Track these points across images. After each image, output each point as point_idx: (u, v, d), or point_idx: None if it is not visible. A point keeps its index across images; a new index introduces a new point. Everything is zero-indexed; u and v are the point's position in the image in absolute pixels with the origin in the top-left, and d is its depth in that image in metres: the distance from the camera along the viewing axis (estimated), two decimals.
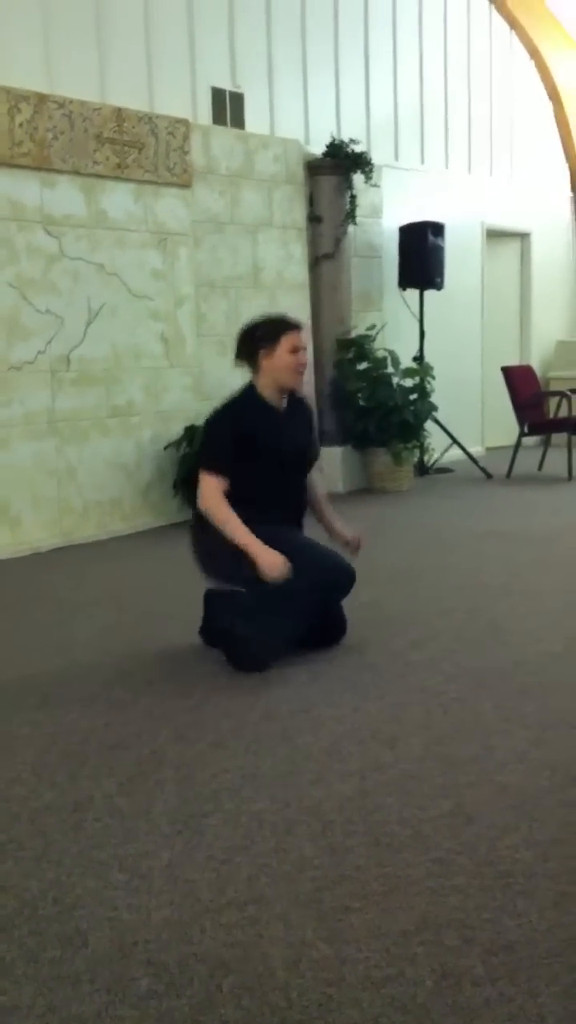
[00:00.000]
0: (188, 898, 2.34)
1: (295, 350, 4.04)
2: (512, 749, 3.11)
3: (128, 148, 6.70)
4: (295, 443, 4.16)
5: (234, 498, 3.98)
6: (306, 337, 4.32)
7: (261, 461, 4.02)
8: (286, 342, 4.03)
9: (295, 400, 4.24)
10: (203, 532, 4.07)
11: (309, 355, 4.51)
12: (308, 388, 8.11)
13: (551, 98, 11.25)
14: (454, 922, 2.20)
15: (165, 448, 7.05)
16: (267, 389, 4.12)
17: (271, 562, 3.85)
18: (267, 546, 3.87)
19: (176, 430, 7.09)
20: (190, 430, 7.07)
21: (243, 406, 4.14)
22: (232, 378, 7.42)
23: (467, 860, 2.46)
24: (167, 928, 2.22)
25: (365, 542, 4.42)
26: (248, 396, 4.15)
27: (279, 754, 3.14)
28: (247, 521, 3.92)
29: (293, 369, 4.05)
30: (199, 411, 7.21)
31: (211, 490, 3.99)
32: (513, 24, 10.57)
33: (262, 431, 4.04)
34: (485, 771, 2.96)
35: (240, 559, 3.89)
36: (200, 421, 7.11)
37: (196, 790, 2.90)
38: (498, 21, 10.47)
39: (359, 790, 2.86)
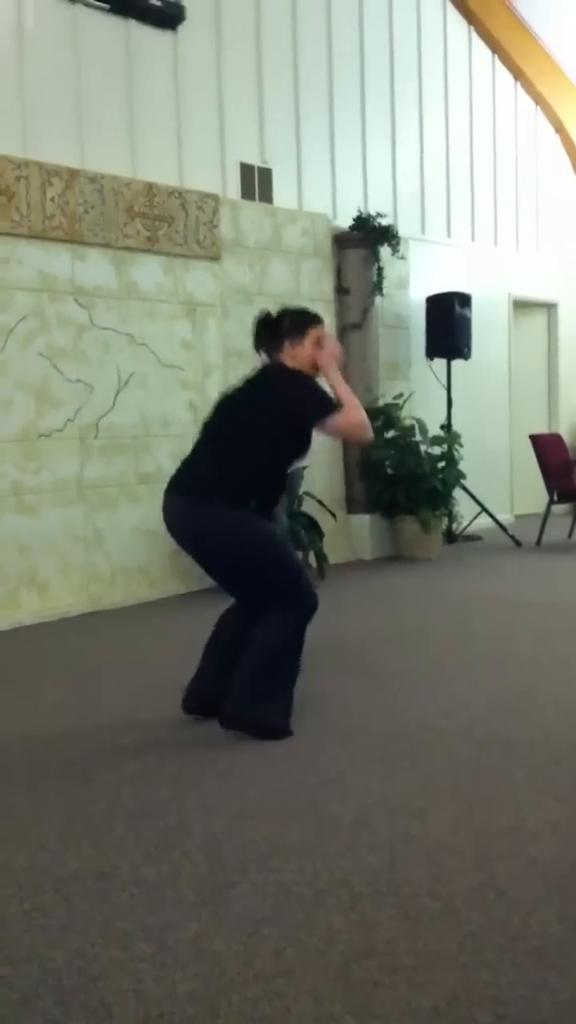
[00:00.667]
0: (214, 970, 2.30)
1: (318, 343, 4.08)
2: (544, 821, 3.06)
3: (158, 222, 6.83)
4: None
5: (262, 483, 3.98)
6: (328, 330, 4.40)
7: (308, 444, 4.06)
8: (312, 334, 4.08)
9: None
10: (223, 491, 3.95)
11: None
12: (336, 455, 8.15)
13: None
14: (486, 998, 2.15)
15: None
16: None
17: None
18: None
19: None
20: None
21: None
22: None
23: (499, 935, 2.41)
24: (192, 1001, 2.18)
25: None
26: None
27: (307, 824, 3.09)
28: (264, 506, 3.97)
29: (311, 363, 4.06)
30: None
31: (359, 416, 3.95)
32: (539, 100, 10.75)
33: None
34: (517, 843, 2.91)
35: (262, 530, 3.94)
36: None
37: (223, 860, 2.86)
38: (524, 96, 10.66)
39: (388, 862, 2.82)
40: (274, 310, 4.24)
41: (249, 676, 3.89)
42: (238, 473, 3.95)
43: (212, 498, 3.97)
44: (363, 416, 3.97)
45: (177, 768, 3.63)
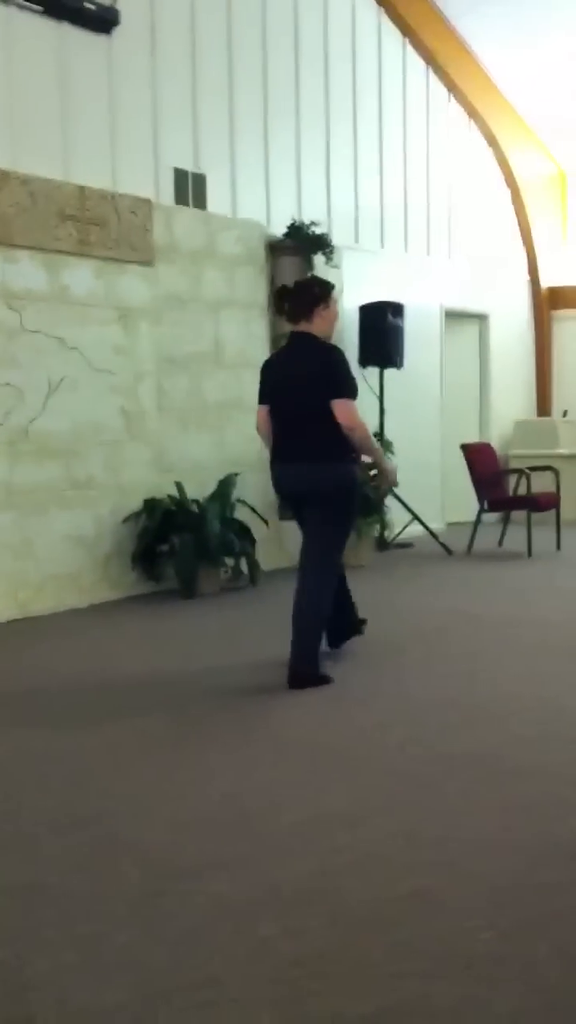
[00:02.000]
0: (143, 980, 2.27)
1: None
2: (477, 831, 3.07)
3: (90, 226, 6.77)
4: None
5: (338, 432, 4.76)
6: None
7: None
8: (335, 298, 4.92)
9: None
10: (331, 452, 4.79)
11: None
12: (268, 462, 8.14)
13: (508, 185, 11.54)
14: (415, 1009, 2.14)
15: (124, 521, 7.02)
16: (324, 336, 4.90)
17: (393, 469, 5.29)
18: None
19: (135, 504, 7.07)
20: (149, 503, 7.06)
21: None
22: (193, 452, 7.49)
23: (429, 944, 2.41)
24: (120, 1012, 2.15)
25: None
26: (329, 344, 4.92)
27: (239, 834, 3.07)
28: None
29: (333, 322, 4.95)
30: (159, 485, 7.23)
31: (357, 411, 4.79)
32: (472, 113, 10.87)
33: None
34: (449, 854, 2.92)
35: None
36: (160, 495, 7.14)
37: (153, 870, 2.83)
38: (457, 109, 10.76)
39: (320, 872, 2.81)
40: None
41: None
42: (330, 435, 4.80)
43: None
44: (363, 427, 4.83)
45: (108, 780, 3.59)
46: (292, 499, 5.05)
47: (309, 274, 7.32)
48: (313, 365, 4.80)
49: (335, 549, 4.89)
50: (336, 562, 4.93)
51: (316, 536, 4.88)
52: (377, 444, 4.91)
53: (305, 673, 4.73)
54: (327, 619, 4.94)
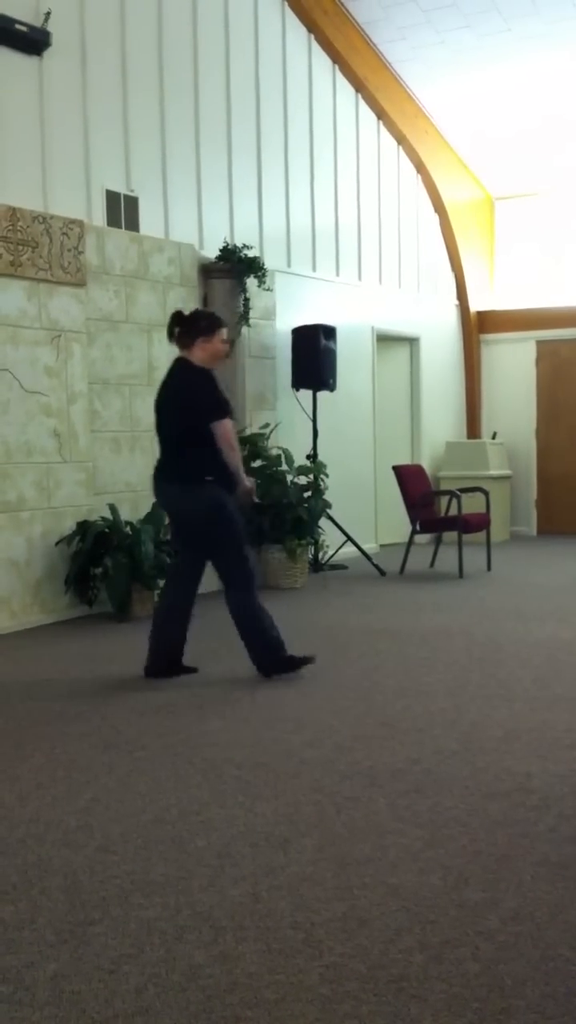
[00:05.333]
0: (73, 1010, 2.25)
1: (224, 341, 5.20)
2: (405, 849, 3.09)
3: (21, 246, 6.74)
4: None
5: (210, 449, 5.01)
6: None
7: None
8: (220, 333, 5.15)
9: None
10: (191, 475, 5.10)
11: None
12: None
13: (437, 210, 11.71)
14: None
15: (57, 544, 6.97)
16: (206, 362, 5.15)
17: (251, 489, 5.25)
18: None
19: (68, 526, 7.03)
20: (83, 525, 7.01)
21: (207, 371, 5.12)
22: (126, 474, 7.46)
23: (360, 964, 2.42)
24: None
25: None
26: (200, 366, 5.15)
27: (169, 859, 3.06)
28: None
29: (221, 356, 5.23)
30: (92, 507, 7.19)
31: (232, 431, 5.07)
32: (401, 139, 11.01)
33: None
34: (378, 872, 2.93)
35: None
36: (93, 517, 7.10)
37: (83, 897, 2.81)
38: (386, 135, 10.90)
39: (251, 894, 2.81)
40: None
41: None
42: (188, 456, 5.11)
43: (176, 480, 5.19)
44: (234, 449, 5.09)
45: (36, 805, 3.55)
46: (169, 516, 5.52)
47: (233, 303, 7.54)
48: (180, 389, 5.15)
49: (231, 564, 5.18)
50: (242, 575, 5.18)
51: (205, 558, 5.38)
52: (237, 462, 5.09)
53: (267, 665, 5.22)
54: (260, 618, 5.21)
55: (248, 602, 5.19)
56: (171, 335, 5.23)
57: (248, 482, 5.21)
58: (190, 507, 5.15)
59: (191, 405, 5.09)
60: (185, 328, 5.19)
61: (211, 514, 5.08)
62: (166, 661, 5.34)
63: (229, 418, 5.08)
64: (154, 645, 5.34)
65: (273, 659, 5.24)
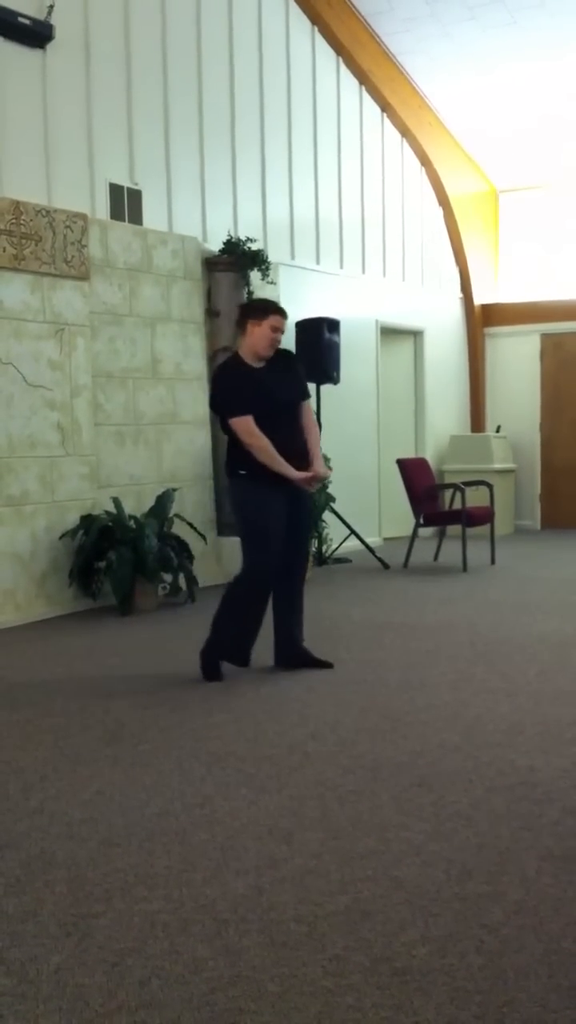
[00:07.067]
0: (77, 1003, 2.25)
1: (275, 329, 5.04)
2: (409, 842, 3.10)
3: (25, 240, 6.74)
4: (279, 395, 5.05)
5: (241, 444, 4.97)
6: (285, 324, 5.20)
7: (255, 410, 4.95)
8: (272, 320, 5.03)
9: (280, 355, 5.16)
10: (227, 467, 5.15)
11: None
12: (205, 477, 8.14)
13: (441, 203, 11.69)
14: (349, 1022, 2.15)
15: (60, 538, 6.97)
16: (247, 354, 5.08)
17: (302, 478, 5.00)
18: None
19: (72, 519, 7.03)
20: (86, 519, 7.02)
21: (231, 367, 5.13)
22: (130, 467, 7.46)
23: (363, 957, 2.42)
24: None
25: (319, 480, 5.19)
26: (233, 360, 5.15)
27: (173, 852, 3.07)
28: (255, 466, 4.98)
29: (268, 342, 5.04)
30: (96, 500, 7.19)
31: (247, 426, 4.93)
32: (405, 133, 10.99)
33: (247, 386, 5.00)
34: (381, 866, 2.94)
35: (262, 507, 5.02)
36: (96, 511, 7.11)
37: (87, 890, 2.81)
38: (390, 129, 10.88)
39: (254, 887, 2.81)
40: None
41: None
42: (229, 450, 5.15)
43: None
44: (255, 443, 4.94)
45: (40, 797, 3.56)
46: None
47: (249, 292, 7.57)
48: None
49: (246, 554, 5.15)
50: (249, 567, 5.12)
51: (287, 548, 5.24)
52: (274, 456, 4.92)
53: (203, 653, 5.19)
54: (233, 614, 5.16)
55: (236, 593, 5.17)
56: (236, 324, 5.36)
57: (298, 473, 5.00)
58: (229, 497, 5.32)
59: (210, 402, 5.26)
60: (239, 316, 5.27)
61: (235, 506, 5.20)
62: (289, 652, 5.35)
63: (244, 414, 4.94)
64: (275, 637, 5.39)
65: (208, 657, 5.18)
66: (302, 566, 5.35)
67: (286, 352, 5.27)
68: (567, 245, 11.98)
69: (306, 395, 5.28)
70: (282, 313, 5.12)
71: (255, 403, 4.95)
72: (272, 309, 5.11)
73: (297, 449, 5.09)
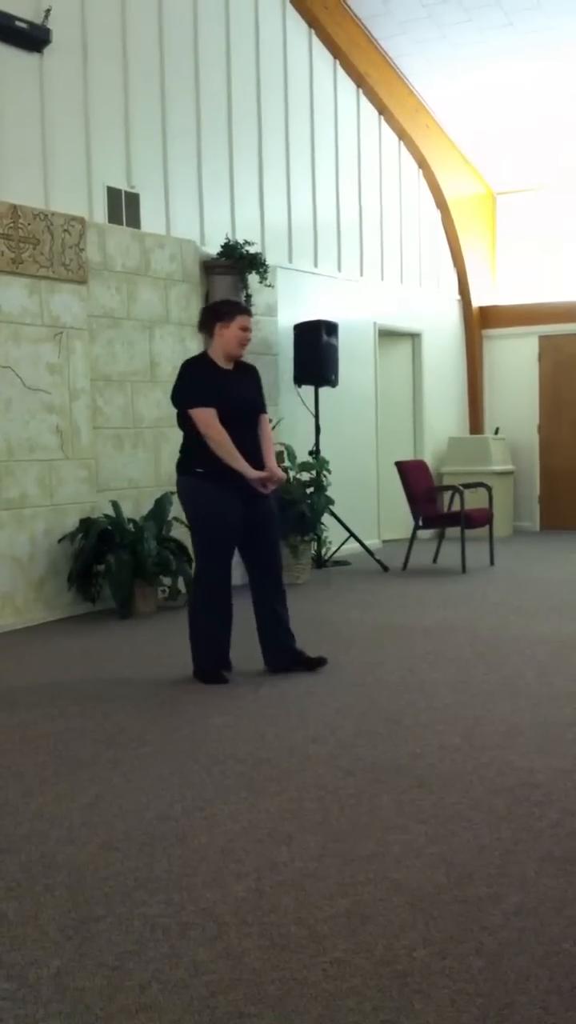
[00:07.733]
0: (78, 1007, 2.25)
1: (244, 329, 5.07)
2: (409, 845, 3.09)
3: (23, 244, 6.74)
4: (242, 398, 5.10)
5: (201, 442, 4.96)
6: (251, 323, 5.23)
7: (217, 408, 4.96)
8: (239, 320, 5.06)
9: (244, 365, 5.22)
10: (180, 464, 5.14)
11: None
12: None
13: (439, 206, 11.69)
14: None
15: (59, 541, 6.97)
16: (217, 355, 5.10)
17: (258, 476, 4.98)
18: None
19: (71, 523, 7.03)
20: (85, 523, 7.02)
21: (198, 363, 5.15)
22: (129, 470, 7.46)
23: (364, 960, 2.42)
24: None
25: (275, 482, 5.12)
26: (201, 358, 5.19)
27: (173, 855, 3.06)
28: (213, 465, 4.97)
29: (238, 342, 5.07)
30: (95, 504, 7.19)
31: (207, 418, 4.94)
32: (402, 135, 11.00)
33: (213, 382, 5.01)
34: (382, 868, 2.93)
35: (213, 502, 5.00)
36: (95, 514, 7.11)
37: (87, 894, 2.81)
38: (388, 131, 10.88)
39: (255, 890, 2.81)
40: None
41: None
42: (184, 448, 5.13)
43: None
44: (213, 435, 4.94)
45: (40, 801, 3.56)
46: None
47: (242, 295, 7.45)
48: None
49: (198, 556, 5.18)
50: (205, 572, 5.15)
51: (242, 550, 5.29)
52: (232, 451, 4.90)
53: (196, 669, 5.21)
54: (196, 617, 5.20)
55: (196, 596, 5.24)
56: (199, 327, 5.35)
57: (254, 472, 4.97)
58: (179, 495, 5.21)
59: (172, 394, 5.15)
60: (202, 317, 5.31)
61: (186, 505, 5.15)
62: (276, 656, 5.32)
63: (207, 406, 4.94)
64: (261, 645, 5.35)
65: (199, 665, 5.22)
66: (273, 570, 5.26)
67: (249, 364, 5.30)
68: (565, 247, 11.99)
69: (264, 408, 5.30)
70: (248, 312, 5.18)
71: (219, 400, 4.97)
72: (239, 310, 5.14)
73: (254, 457, 5.07)
